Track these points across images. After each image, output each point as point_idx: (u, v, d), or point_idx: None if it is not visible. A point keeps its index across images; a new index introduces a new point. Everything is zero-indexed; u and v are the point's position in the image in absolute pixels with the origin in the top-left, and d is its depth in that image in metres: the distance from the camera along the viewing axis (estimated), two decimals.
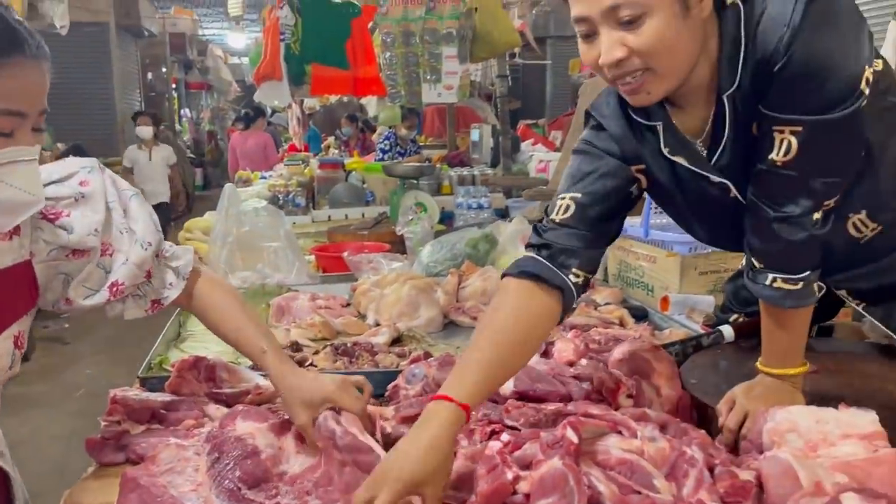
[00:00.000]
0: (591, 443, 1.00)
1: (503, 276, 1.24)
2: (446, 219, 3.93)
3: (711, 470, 0.99)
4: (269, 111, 10.12)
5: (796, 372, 1.20)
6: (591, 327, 1.67)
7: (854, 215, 1.22)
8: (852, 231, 1.24)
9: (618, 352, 1.33)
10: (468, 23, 4.77)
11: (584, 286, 1.24)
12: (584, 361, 1.36)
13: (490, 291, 2.05)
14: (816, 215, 1.12)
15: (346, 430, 1.09)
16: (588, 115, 1.31)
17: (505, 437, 1.03)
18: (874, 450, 1.00)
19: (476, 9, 4.78)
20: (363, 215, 4.22)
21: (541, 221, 1.26)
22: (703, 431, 1.11)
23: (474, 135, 6.48)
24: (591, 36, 1.09)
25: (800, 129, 1.06)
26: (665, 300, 1.95)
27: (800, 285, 1.15)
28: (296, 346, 1.70)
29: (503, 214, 3.98)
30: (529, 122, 8.40)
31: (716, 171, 1.18)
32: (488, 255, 2.43)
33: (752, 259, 1.19)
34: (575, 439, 0.95)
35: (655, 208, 2.13)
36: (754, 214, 1.16)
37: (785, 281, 1.15)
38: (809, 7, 1.02)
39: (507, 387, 1.30)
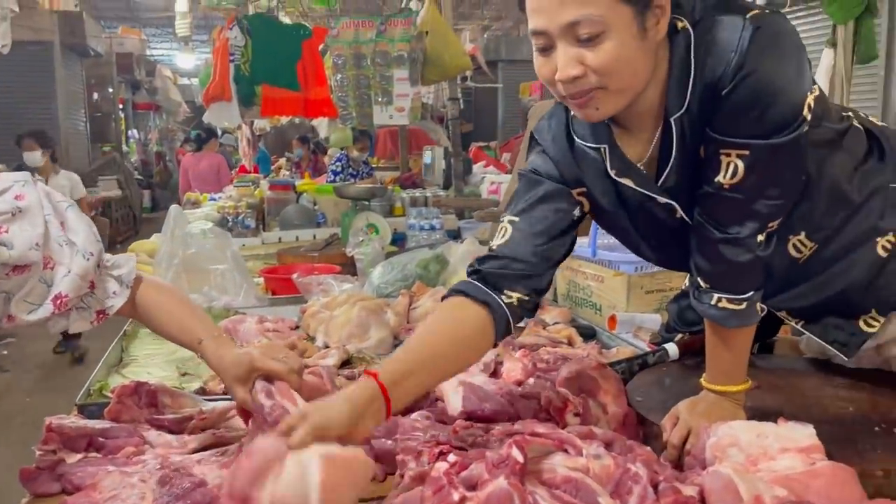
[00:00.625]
0: (536, 461, 1.00)
1: (441, 298, 1.27)
2: (398, 240, 3.93)
3: (655, 486, 1.00)
4: (219, 132, 10.01)
5: (738, 389, 1.23)
6: (540, 347, 1.68)
7: (794, 237, 1.26)
8: (792, 252, 1.28)
9: (565, 370, 1.33)
10: (419, 46, 4.81)
11: (529, 308, 1.26)
12: (531, 381, 1.37)
13: None
14: (760, 237, 1.14)
15: (277, 403, 1.09)
16: (532, 138, 1.33)
17: (452, 457, 1.02)
18: (812, 463, 1.03)
19: (427, 32, 4.83)
20: (314, 237, 4.19)
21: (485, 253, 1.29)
22: (648, 448, 1.12)
23: (426, 157, 6.52)
24: (547, 50, 1.10)
25: (746, 152, 1.09)
26: (612, 319, 1.98)
27: (744, 305, 1.18)
28: None
29: (455, 236, 4.00)
30: (481, 144, 8.50)
31: (662, 192, 1.20)
32: (439, 276, 2.43)
33: (698, 279, 1.21)
34: (520, 458, 0.95)
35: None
36: (700, 235, 1.18)
37: (730, 301, 1.18)
38: (756, 34, 1.05)
39: (456, 407, 1.30)
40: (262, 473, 0.88)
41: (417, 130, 9.18)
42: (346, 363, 1.77)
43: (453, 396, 1.32)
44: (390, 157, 8.07)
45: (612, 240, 2.25)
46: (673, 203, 1.20)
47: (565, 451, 1.03)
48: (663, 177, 1.18)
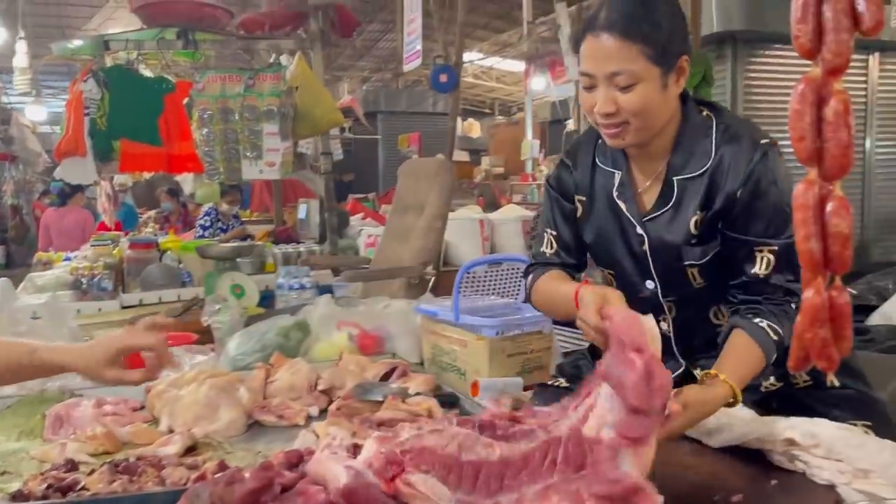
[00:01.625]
0: None
1: (530, 284, 1.72)
2: (267, 299, 3.79)
3: None
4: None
5: (737, 396, 1.36)
6: (399, 422, 1.63)
7: (715, 306, 1.60)
8: (713, 319, 1.61)
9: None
10: (289, 101, 4.74)
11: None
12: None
13: (300, 386, 1.96)
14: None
15: None
16: (561, 160, 1.72)
17: None
18: None
19: (297, 87, 4.78)
20: (179, 297, 3.99)
21: (531, 249, 1.83)
22: None
23: (301, 210, 6.41)
24: (591, 88, 1.45)
25: (775, 247, 1.46)
26: (475, 385, 1.96)
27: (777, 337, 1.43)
28: (70, 465, 1.51)
29: (330, 292, 3.91)
30: (359, 196, 8.46)
31: (641, 225, 1.56)
32: (301, 344, 2.34)
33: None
34: None
35: (465, 293, 2.16)
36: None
37: (774, 332, 1.43)
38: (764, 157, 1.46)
39: (340, 484, 1.21)
40: None
41: (295, 182, 9.00)
42: (192, 449, 1.64)
43: (340, 477, 1.23)
44: (266, 210, 7.88)
45: (475, 303, 2.26)
46: (644, 236, 1.56)
47: None
48: (650, 216, 1.55)
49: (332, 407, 1.85)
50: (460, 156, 12.80)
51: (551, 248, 1.71)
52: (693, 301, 1.60)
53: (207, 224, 5.79)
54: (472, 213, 6.03)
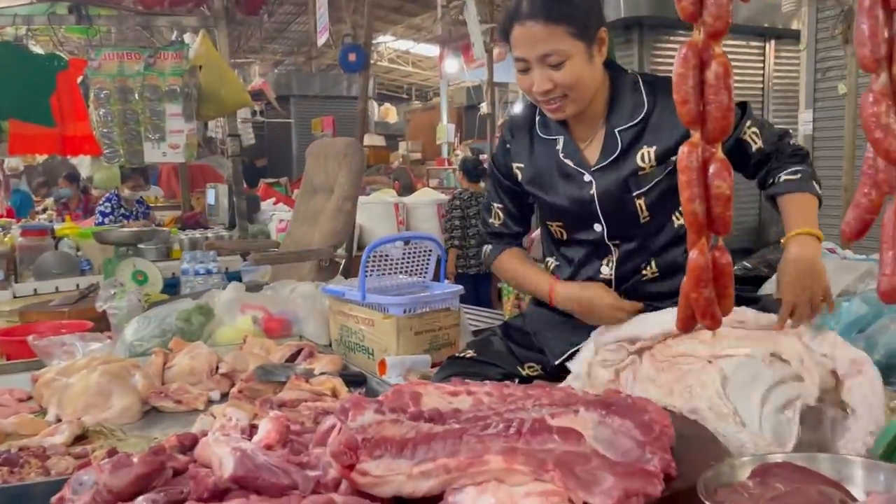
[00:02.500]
0: None
1: (490, 257, 1.90)
2: (172, 287, 3.66)
3: None
4: None
5: (817, 233, 1.48)
6: (302, 402, 1.59)
7: (652, 256, 1.70)
8: (648, 271, 1.71)
9: (324, 426, 1.26)
10: (192, 80, 4.58)
11: None
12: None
13: (199, 370, 1.89)
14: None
15: None
16: (500, 137, 1.88)
17: None
18: None
19: (201, 67, 4.61)
20: (77, 286, 3.79)
21: (485, 223, 1.90)
22: None
23: (210, 195, 6.20)
24: (526, 71, 1.60)
25: (749, 121, 1.62)
26: (382, 364, 1.94)
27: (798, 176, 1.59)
28: None
29: (238, 278, 3.80)
30: (271, 181, 8.26)
31: (590, 174, 1.67)
32: (204, 329, 2.26)
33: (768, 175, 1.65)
34: None
35: (370, 271, 2.13)
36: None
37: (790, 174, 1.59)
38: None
39: (227, 469, 1.15)
40: None
41: (205, 167, 8.73)
42: (82, 438, 1.56)
43: (226, 460, 1.18)
44: (173, 196, 7.60)
45: (382, 283, 2.24)
46: (592, 180, 1.66)
47: None
48: (598, 165, 1.66)
49: (234, 390, 1.80)
50: (377, 140, 12.71)
51: (498, 219, 1.86)
52: (635, 241, 1.69)
53: (108, 210, 5.52)
54: (387, 197, 5.99)
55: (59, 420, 1.65)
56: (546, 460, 1.09)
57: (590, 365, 1.62)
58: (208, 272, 3.64)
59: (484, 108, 9.46)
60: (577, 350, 1.69)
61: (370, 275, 2.12)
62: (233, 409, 1.41)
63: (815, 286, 1.44)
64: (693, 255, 0.90)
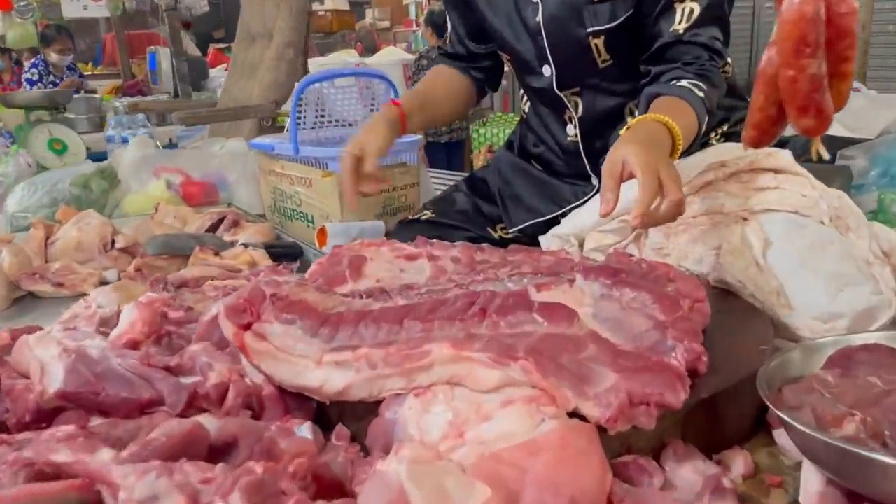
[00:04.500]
0: None
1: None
2: (101, 160, 3.21)
3: None
4: None
5: (675, 129, 1.04)
6: (208, 280, 1.22)
7: (628, 102, 1.32)
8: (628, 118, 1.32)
9: (210, 314, 0.89)
10: None
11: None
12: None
13: (90, 245, 1.50)
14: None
15: None
16: None
17: None
18: (537, 422, 0.68)
19: None
20: None
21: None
22: None
23: (151, 61, 5.58)
24: None
25: None
26: (322, 232, 1.56)
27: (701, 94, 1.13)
28: None
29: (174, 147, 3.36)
30: (222, 46, 7.58)
31: None
32: (108, 197, 1.85)
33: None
34: None
35: (303, 120, 1.71)
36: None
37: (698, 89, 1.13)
38: None
39: (53, 381, 0.80)
40: None
41: (153, 35, 8.02)
42: None
43: (53, 368, 0.82)
44: (114, 65, 6.94)
45: (321, 134, 1.82)
46: (538, 3, 1.27)
47: None
48: None
49: (130, 268, 1.42)
50: (340, 4, 11.81)
51: (451, 39, 1.54)
52: (600, 93, 1.32)
53: (35, 78, 4.93)
54: (348, 58, 5.43)
55: None
56: (515, 346, 0.74)
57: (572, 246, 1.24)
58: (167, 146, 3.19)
59: None
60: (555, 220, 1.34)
61: (304, 125, 1.70)
62: (101, 295, 1.04)
63: (661, 164, 0.95)
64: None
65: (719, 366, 0.80)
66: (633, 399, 0.70)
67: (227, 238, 1.58)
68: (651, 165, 0.92)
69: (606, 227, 1.18)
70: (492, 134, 4.31)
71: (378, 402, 0.76)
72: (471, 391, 0.72)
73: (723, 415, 0.79)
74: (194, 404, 0.78)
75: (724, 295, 1.02)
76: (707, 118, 1.12)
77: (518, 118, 1.57)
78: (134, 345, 0.86)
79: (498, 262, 1.03)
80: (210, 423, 0.68)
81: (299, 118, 1.64)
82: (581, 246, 1.22)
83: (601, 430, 0.69)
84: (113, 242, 1.52)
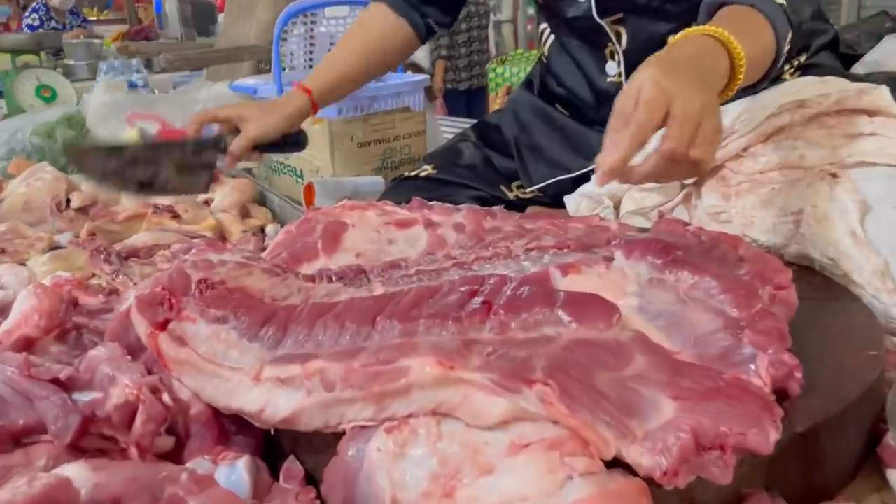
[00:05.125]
0: None
1: None
2: None
3: None
4: None
5: (740, 53, 0.71)
6: (162, 249, 1.01)
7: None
8: None
9: (124, 307, 0.67)
10: None
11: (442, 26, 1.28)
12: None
13: (38, 204, 1.30)
14: None
15: None
16: None
17: None
18: (561, 481, 0.47)
19: None
20: None
21: None
22: None
23: (157, 5, 5.33)
24: None
25: None
26: (309, 189, 1.34)
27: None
28: None
29: None
30: None
31: None
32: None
33: None
34: None
35: (289, 63, 1.47)
36: None
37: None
38: None
39: None
40: None
41: None
42: None
43: None
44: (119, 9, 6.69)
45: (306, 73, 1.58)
46: None
47: None
48: None
49: (83, 231, 1.21)
50: None
51: None
52: (649, 17, 1.03)
53: (36, 23, 4.71)
54: None
55: None
56: (530, 360, 0.51)
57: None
58: (133, 85, 2.96)
59: None
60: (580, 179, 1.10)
61: (291, 64, 1.46)
62: (9, 267, 0.83)
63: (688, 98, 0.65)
64: None
65: (816, 383, 0.57)
66: (700, 441, 0.48)
67: (201, 198, 1.36)
68: (668, 95, 0.64)
69: (650, 184, 0.94)
70: (511, 74, 3.98)
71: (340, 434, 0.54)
72: (465, 427, 0.50)
73: (823, 452, 0.57)
74: (91, 431, 0.57)
75: (807, 277, 0.78)
76: (790, 36, 0.80)
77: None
78: (27, 344, 0.66)
79: (512, 231, 0.80)
80: (82, 475, 0.47)
81: (284, 57, 1.40)
82: (617, 208, 0.99)
83: (652, 483, 0.47)
84: (68, 201, 1.32)
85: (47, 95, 2.90)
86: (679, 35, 0.74)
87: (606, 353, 0.54)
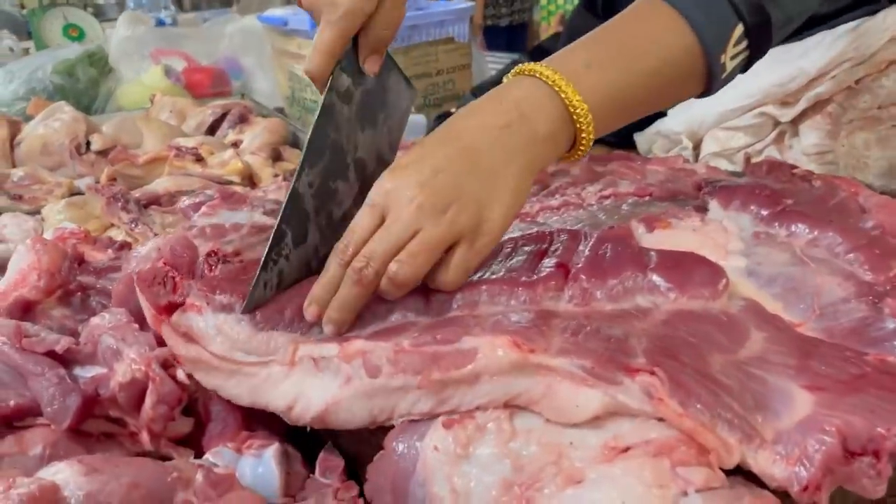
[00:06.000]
0: None
1: None
2: None
3: None
4: None
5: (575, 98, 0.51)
6: (184, 195, 0.92)
7: None
8: None
9: (132, 265, 0.58)
10: None
11: None
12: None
13: (56, 147, 1.21)
14: None
15: None
16: None
17: None
18: (672, 496, 0.37)
19: None
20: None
21: None
22: None
23: None
24: None
25: None
26: None
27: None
28: None
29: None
30: None
31: None
32: (98, 88, 1.54)
33: None
34: None
35: None
36: None
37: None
38: None
39: None
40: None
41: None
42: None
43: None
44: None
45: None
46: None
47: None
48: None
49: (103, 177, 1.13)
50: None
51: None
52: None
53: None
54: None
55: None
56: (625, 341, 0.41)
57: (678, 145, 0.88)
58: (160, 23, 2.85)
59: None
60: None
61: None
62: (14, 217, 0.74)
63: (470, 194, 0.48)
64: None
65: None
66: (849, 446, 0.38)
67: (233, 137, 1.27)
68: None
69: (736, 122, 0.82)
70: (565, 0, 3.74)
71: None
72: (545, 423, 0.40)
73: None
74: (94, 413, 0.48)
75: None
76: (752, 29, 0.56)
77: None
78: (25, 307, 0.57)
79: (581, 175, 0.69)
80: (73, 480, 0.38)
81: None
82: (696, 149, 0.86)
83: (784, 495, 0.37)
84: (88, 144, 1.23)
85: (75, 35, 2.80)
86: (511, 75, 0.55)
87: (716, 328, 0.44)
